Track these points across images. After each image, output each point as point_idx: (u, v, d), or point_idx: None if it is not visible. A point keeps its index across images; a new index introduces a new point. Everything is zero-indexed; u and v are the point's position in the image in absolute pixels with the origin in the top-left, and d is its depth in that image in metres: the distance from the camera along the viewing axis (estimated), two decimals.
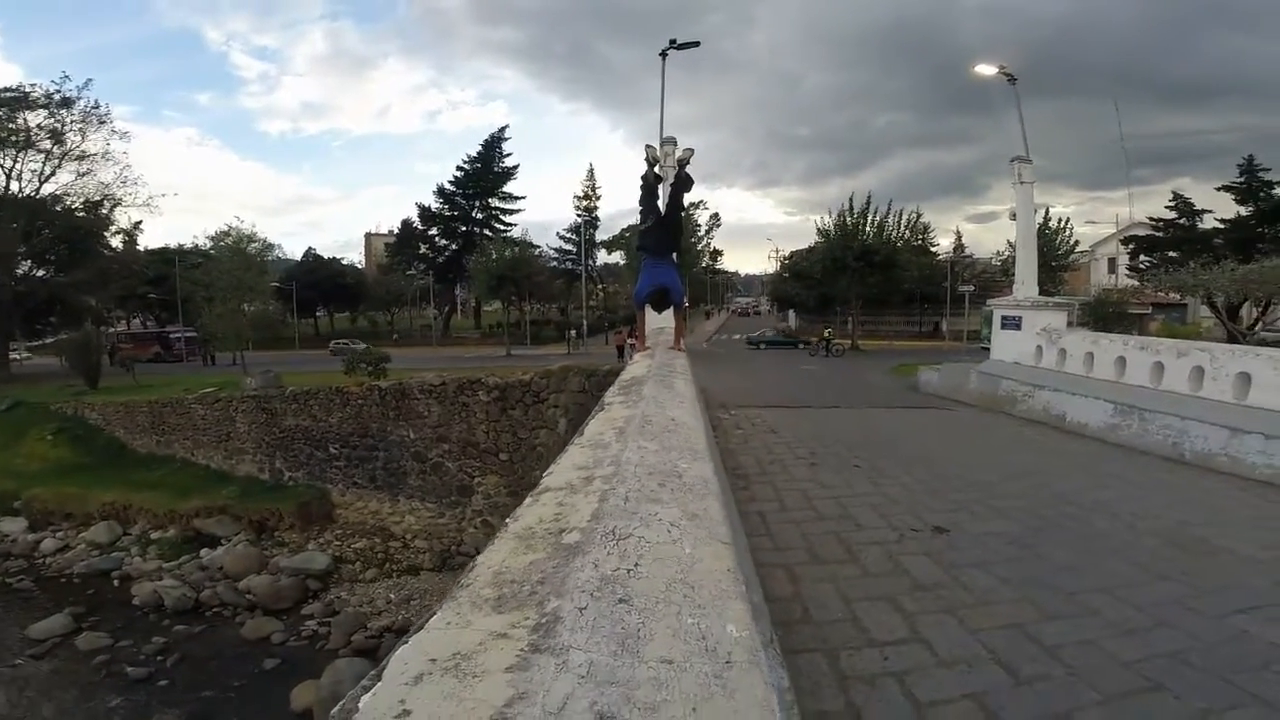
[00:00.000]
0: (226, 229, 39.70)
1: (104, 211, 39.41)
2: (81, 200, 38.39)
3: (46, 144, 35.92)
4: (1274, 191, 33.53)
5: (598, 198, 59.81)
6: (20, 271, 37.73)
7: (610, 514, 1.46)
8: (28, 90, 35.37)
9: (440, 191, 60.93)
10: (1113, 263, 44.82)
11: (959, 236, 59.81)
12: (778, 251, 74.14)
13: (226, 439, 20.85)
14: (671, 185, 7.00)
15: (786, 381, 20.59)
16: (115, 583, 16.01)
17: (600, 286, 64.95)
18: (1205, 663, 3.07)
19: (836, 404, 13.36)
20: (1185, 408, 8.38)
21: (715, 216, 63.24)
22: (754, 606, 1.22)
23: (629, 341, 13.28)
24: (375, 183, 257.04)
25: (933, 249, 48.98)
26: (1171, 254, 34.42)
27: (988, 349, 15.54)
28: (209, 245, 41.49)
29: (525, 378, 14.71)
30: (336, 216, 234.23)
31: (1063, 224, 38.63)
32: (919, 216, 42.00)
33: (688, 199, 7.94)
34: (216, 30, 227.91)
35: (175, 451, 22.46)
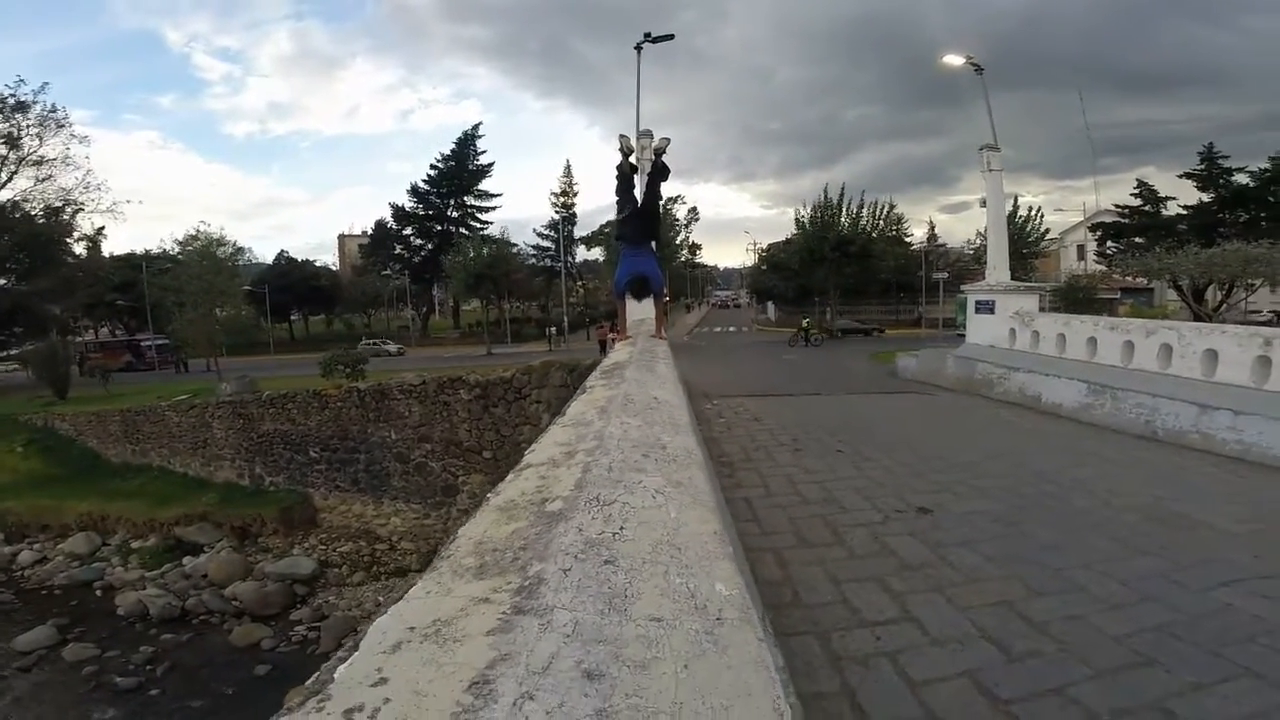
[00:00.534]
0: (194, 233, 38.96)
1: (65, 218, 38.40)
2: (42, 206, 37.42)
3: (2, 149, 35.00)
4: (1233, 178, 34.40)
5: (575, 194, 59.54)
6: None
7: (594, 483, 1.43)
8: None
9: (414, 191, 60.23)
10: (1081, 249, 45.67)
11: (932, 227, 60.38)
12: (755, 244, 74.52)
13: (203, 445, 20.50)
14: (649, 174, 7.01)
15: (768, 371, 20.72)
16: (98, 593, 15.74)
17: (580, 283, 64.72)
18: (1192, 636, 3.11)
19: (818, 391, 13.47)
20: (1156, 385, 8.56)
21: (693, 211, 63.43)
22: (745, 581, 1.21)
23: (610, 336, 13.26)
24: (347, 184, 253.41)
25: (907, 239, 49.54)
26: (1137, 240, 35.15)
27: (964, 335, 15.77)
28: (177, 250, 40.66)
29: (507, 375, 14.65)
30: (308, 219, 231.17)
31: (1032, 212, 39.28)
32: (892, 207, 42.44)
33: (665, 188, 7.96)
34: (177, 32, 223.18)
35: (151, 460, 22.03)
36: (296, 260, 63.36)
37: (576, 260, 62.84)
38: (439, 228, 60.60)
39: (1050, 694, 2.69)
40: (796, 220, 40.65)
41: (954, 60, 15.85)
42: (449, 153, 59.67)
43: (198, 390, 26.90)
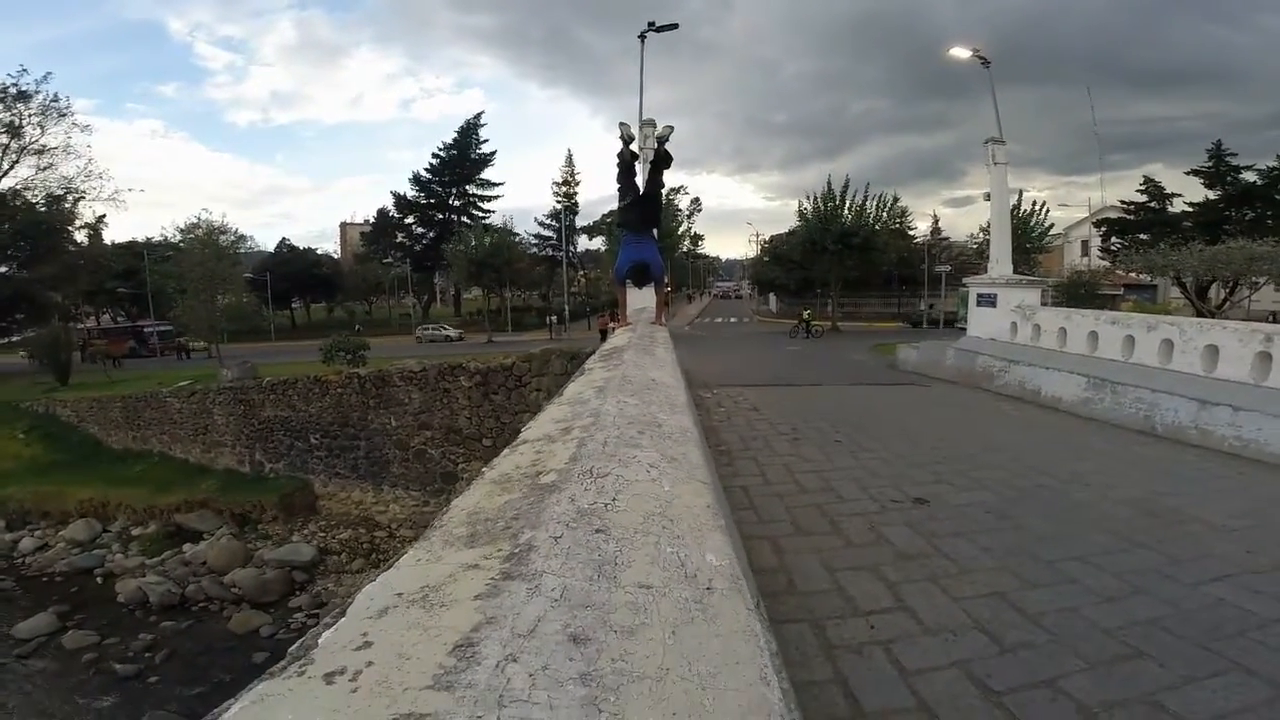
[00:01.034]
0: (196, 221, 38.97)
1: (67, 206, 38.47)
2: (43, 194, 37.47)
3: (4, 138, 35.05)
4: (1241, 176, 34.27)
5: (577, 184, 59.50)
6: None
7: (588, 456, 1.42)
8: None
9: (416, 179, 60.15)
10: (1085, 245, 45.48)
11: (935, 220, 60.19)
12: (758, 236, 74.32)
13: (204, 432, 20.55)
14: (651, 162, 6.98)
15: (768, 362, 20.69)
16: (98, 580, 15.82)
17: (582, 273, 64.66)
18: (1184, 630, 3.13)
19: (817, 382, 13.47)
20: (1156, 380, 8.56)
21: (696, 201, 63.26)
22: (739, 559, 1.21)
23: (611, 325, 13.19)
24: (349, 172, 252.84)
25: (910, 232, 49.36)
26: (1142, 236, 35.08)
27: (965, 329, 15.76)
28: (178, 238, 40.70)
29: (507, 362, 14.64)
30: (310, 207, 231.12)
31: (1036, 207, 39.10)
32: (896, 200, 42.28)
33: (667, 177, 7.94)
34: (180, 21, 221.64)
35: (152, 446, 22.10)
36: (298, 248, 63.42)
37: (578, 250, 62.78)
38: (441, 216, 60.60)
39: (1042, 685, 2.70)
40: (799, 212, 40.53)
41: (961, 52, 15.77)
42: (451, 141, 59.66)
43: (199, 376, 26.93)
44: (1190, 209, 35.67)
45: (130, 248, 47.71)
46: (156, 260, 40.81)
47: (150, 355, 42.37)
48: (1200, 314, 20.28)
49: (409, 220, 62.08)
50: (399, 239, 62.22)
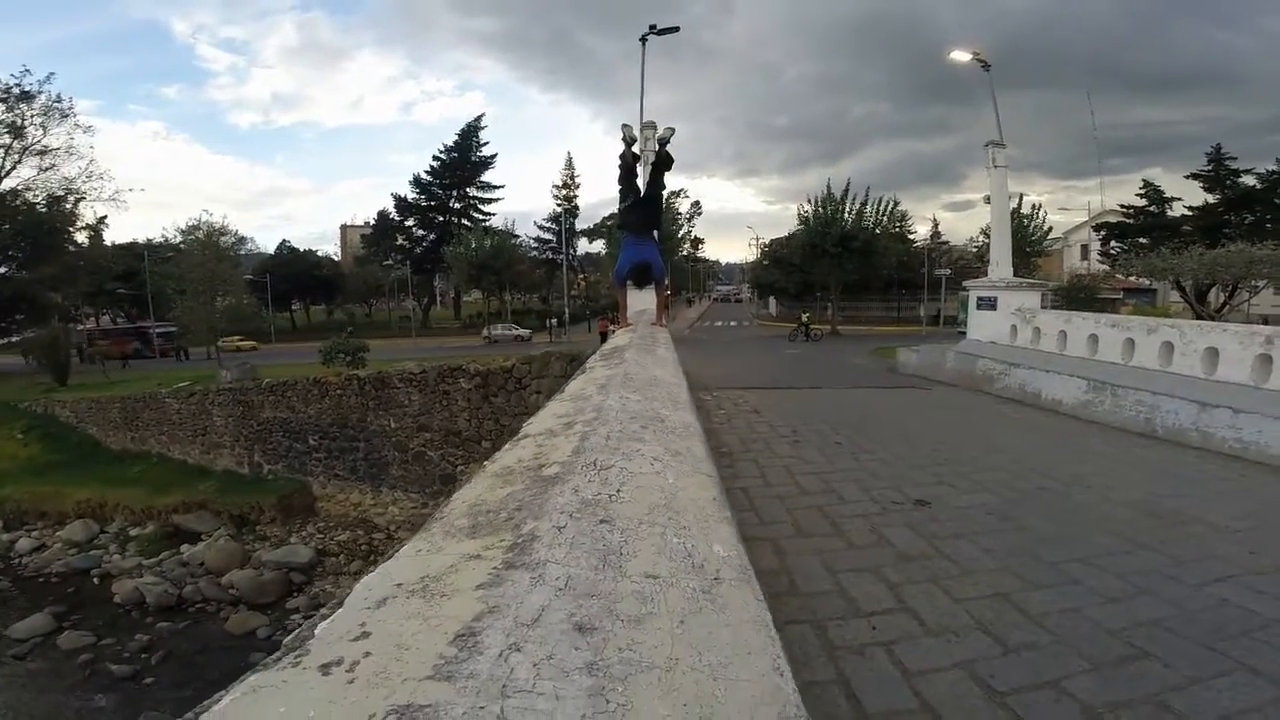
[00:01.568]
0: (196, 222, 38.97)
1: (68, 206, 38.47)
2: (44, 195, 37.48)
3: (6, 138, 35.12)
4: (1240, 180, 34.32)
5: (577, 187, 59.60)
6: None
7: (591, 450, 1.40)
8: None
9: (417, 182, 60.21)
10: (1085, 249, 45.57)
11: (936, 224, 60.23)
12: (758, 239, 74.29)
13: (203, 433, 20.51)
14: (652, 164, 6.97)
15: (768, 365, 20.65)
16: (95, 581, 15.75)
17: (582, 275, 64.67)
18: (1189, 630, 3.11)
19: (817, 385, 13.45)
20: (1156, 383, 8.54)
21: (696, 205, 63.32)
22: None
23: (611, 328, 13.22)
24: (350, 175, 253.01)
25: (910, 236, 49.38)
26: (1142, 240, 35.09)
27: (964, 332, 15.75)
28: (179, 239, 40.69)
29: (507, 364, 14.62)
30: (311, 209, 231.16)
31: (1036, 210, 39.14)
32: (896, 204, 42.31)
33: (668, 180, 7.92)
34: (183, 22, 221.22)
35: (150, 447, 22.06)
36: (298, 250, 63.47)
37: (578, 253, 62.83)
38: (441, 219, 60.64)
39: (1046, 686, 2.68)
40: (800, 216, 40.52)
41: (961, 56, 15.78)
42: (452, 144, 59.77)
43: (197, 378, 26.90)
44: (1190, 213, 35.73)
45: (131, 249, 47.66)
46: (157, 261, 40.76)
47: (148, 357, 42.31)
48: (1200, 317, 20.28)
49: (409, 222, 62.11)
50: (399, 241, 62.23)
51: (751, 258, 77.82)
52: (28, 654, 12.77)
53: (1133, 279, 31.87)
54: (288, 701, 0.62)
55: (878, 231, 39.30)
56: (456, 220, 59.82)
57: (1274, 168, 32.94)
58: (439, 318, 64.74)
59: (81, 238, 43.45)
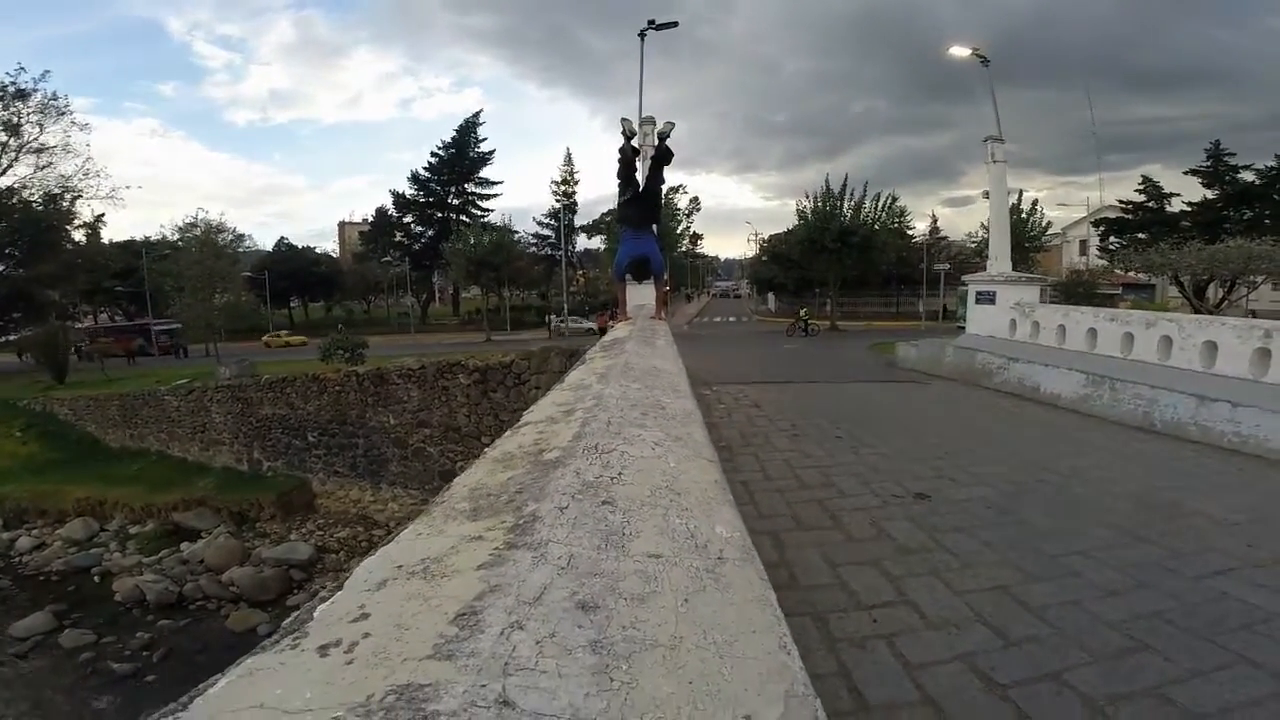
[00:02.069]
0: (193, 220, 38.91)
1: (65, 204, 38.38)
2: (41, 193, 37.39)
3: (2, 136, 35.04)
4: (1239, 176, 34.33)
5: (576, 183, 59.38)
6: None
7: (592, 435, 1.39)
8: None
9: (415, 178, 60.04)
10: (1084, 245, 45.52)
11: (934, 220, 60.43)
12: (757, 235, 74.33)
13: (202, 430, 20.48)
14: (652, 158, 6.95)
15: (767, 360, 20.68)
16: (95, 579, 15.71)
17: (581, 272, 64.60)
18: (1188, 623, 3.13)
19: (816, 380, 13.46)
20: (1154, 377, 8.55)
21: (695, 200, 63.20)
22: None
23: (610, 324, 13.14)
24: (348, 171, 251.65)
25: (909, 231, 49.41)
26: (1140, 236, 35.09)
27: (963, 327, 15.75)
28: (176, 237, 40.62)
29: (506, 360, 14.58)
30: (309, 206, 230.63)
31: (1034, 206, 39.12)
32: (895, 200, 42.32)
33: (668, 175, 7.91)
34: (179, 20, 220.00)
35: (150, 445, 22.03)
36: (296, 247, 63.24)
37: (577, 249, 62.69)
38: (439, 215, 60.50)
39: (1047, 679, 2.69)
40: (798, 211, 40.50)
41: (960, 51, 15.77)
42: (450, 140, 59.57)
43: (196, 375, 26.87)
44: (1188, 209, 35.72)
45: (128, 246, 47.60)
46: (154, 259, 40.69)
47: (163, 353, 42.29)
48: (1198, 313, 20.29)
49: (408, 219, 61.97)
50: (398, 238, 62.06)
51: (750, 253, 77.99)
52: (29, 652, 12.74)
53: (1132, 274, 31.92)
54: (284, 683, 0.61)
55: (876, 227, 39.31)
56: (455, 217, 59.70)
57: (1273, 164, 32.95)
58: (438, 314, 64.71)
59: (79, 236, 43.50)
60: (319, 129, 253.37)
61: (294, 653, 0.66)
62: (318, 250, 66.77)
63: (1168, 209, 36.60)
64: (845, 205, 38.66)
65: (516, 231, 54.00)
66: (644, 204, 6.52)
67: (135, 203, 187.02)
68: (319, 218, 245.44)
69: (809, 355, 22.71)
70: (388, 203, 61.84)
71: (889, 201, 40.88)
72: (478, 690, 0.56)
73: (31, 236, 36.97)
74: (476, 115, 61.06)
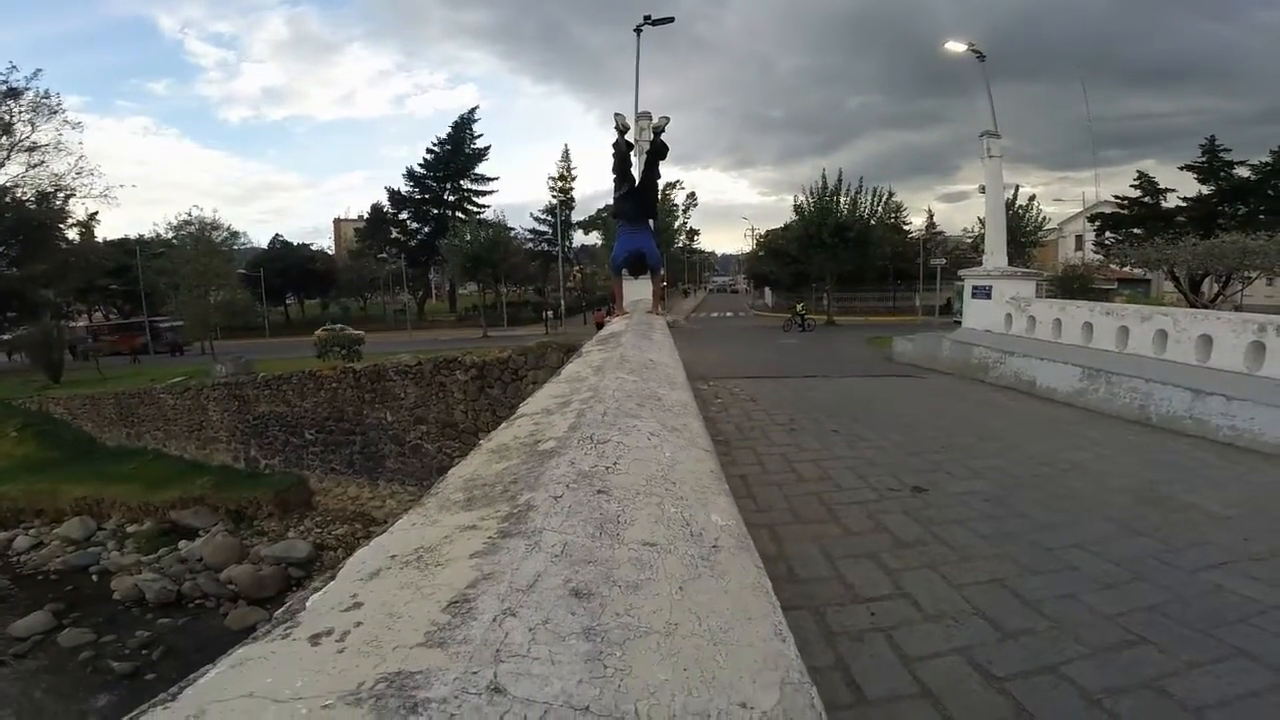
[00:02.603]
0: (187, 217, 38.73)
1: (57, 203, 38.23)
2: (33, 192, 37.23)
3: None
4: (1234, 171, 34.38)
5: (573, 179, 59.18)
6: None
7: (588, 425, 1.39)
8: None
9: (410, 175, 59.91)
10: (1080, 240, 45.63)
11: (931, 215, 60.41)
12: (753, 230, 74.26)
13: (199, 428, 20.43)
14: (647, 153, 6.93)
15: (764, 355, 20.67)
16: (94, 578, 15.70)
17: (578, 268, 64.49)
18: (1184, 616, 3.14)
19: (813, 374, 13.47)
20: (1150, 370, 8.56)
21: (692, 196, 63.09)
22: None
23: (607, 320, 13.08)
24: (342, 168, 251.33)
25: (905, 226, 49.44)
26: (1136, 231, 35.12)
27: (960, 321, 15.78)
28: (170, 235, 40.45)
29: (503, 355, 14.58)
30: (304, 203, 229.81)
31: (1030, 201, 39.17)
32: (891, 195, 42.33)
33: (664, 169, 7.89)
34: (171, 18, 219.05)
35: (146, 443, 21.97)
36: (292, 244, 63.03)
37: (574, 245, 62.62)
38: (435, 211, 60.32)
39: (1044, 671, 2.70)
40: (795, 207, 40.51)
41: (956, 47, 15.77)
42: (445, 136, 59.39)
43: (192, 372, 26.79)
44: (1184, 204, 35.76)
45: (122, 245, 47.32)
46: (149, 257, 40.52)
47: (158, 352, 42.13)
48: (1194, 307, 20.33)
49: (403, 215, 61.79)
50: (393, 234, 61.85)
51: (747, 249, 77.98)
52: (28, 652, 12.74)
53: (1127, 269, 31.98)
54: (275, 672, 0.60)
55: (873, 222, 39.34)
56: (451, 213, 59.52)
57: (1267, 159, 33.01)
58: (434, 310, 64.55)
59: (72, 234, 43.39)
60: (313, 126, 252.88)
61: (285, 642, 0.65)
62: (313, 247, 66.49)
63: (1163, 204, 36.64)
64: (841, 200, 38.70)
65: (513, 228, 53.89)
66: (640, 199, 6.51)
67: (129, 201, 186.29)
68: (314, 215, 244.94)
69: (806, 350, 22.72)
70: (383, 199, 61.85)
71: (885, 196, 40.96)
72: (469, 677, 0.56)
73: (24, 235, 36.85)
74: (471, 112, 60.97)
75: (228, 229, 40.55)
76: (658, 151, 6.74)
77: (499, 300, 51.31)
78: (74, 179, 37.75)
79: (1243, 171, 34.04)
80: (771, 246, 51.15)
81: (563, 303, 47.03)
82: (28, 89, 35.37)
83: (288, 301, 62.37)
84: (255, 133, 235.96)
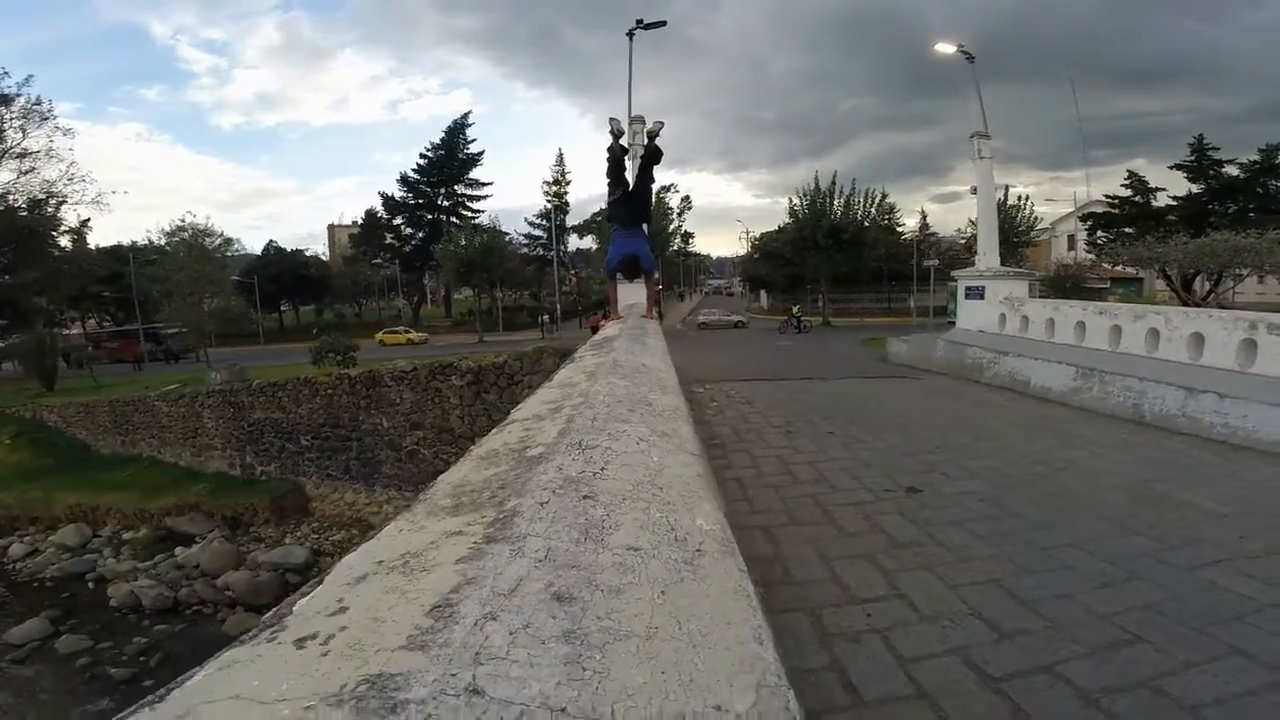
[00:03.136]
0: (180, 224, 38.62)
1: (49, 210, 38.05)
2: (25, 199, 37.07)
3: None
4: (1223, 169, 34.62)
5: (568, 183, 59.27)
6: None
7: (577, 431, 1.40)
8: None
9: (404, 180, 59.85)
10: (1072, 239, 45.87)
11: (924, 216, 60.73)
12: (748, 233, 74.47)
13: (194, 435, 20.35)
14: (641, 157, 6.94)
15: (759, 357, 20.74)
16: (90, 585, 15.61)
17: (573, 272, 64.47)
18: (1180, 614, 3.14)
19: (809, 376, 13.49)
20: (1143, 369, 8.60)
21: (686, 199, 63.11)
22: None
23: (602, 324, 13.07)
24: (336, 174, 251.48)
25: (899, 228, 49.65)
26: (1127, 230, 35.31)
27: (954, 322, 15.83)
28: (163, 241, 40.33)
29: (499, 360, 14.56)
30: (297, 209, 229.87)
31: (1022, 201, 39.35)
32: (884, 196, 42.50)
33: (658, 174, 7.92)
34: (162, 24, 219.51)
35: (141, 450, 21.87)
36: (285, 250, 62.87)
37: (569, 249, 62.59)
38: (429, 217, 60.30)
39: (1041, 671, 2.70)
40: (790, 210, 40.67)
41: (946, 48, 15.86)
42: (439, 141, 59.40)
43: (187, 380, 26.69)
44: (1174, 203, 36.00)
45: (115, 252, 47.21)
46: (142, 264, 40.40)
47: (159, 359, 41.99)
48: (1186, 305, 20.43)
49: (397, 221, 61.74)
50: (388, 240, 61.84)
51: (742, 251, 78.02)
52: (26, 658, 12.68)
53: (1119, 268, 32.13)
54: (260, 675, 0.61)
55: (866, 224, 39.49)
56: (445, 218, 59.49)
57: (1255, 157, 33.25)
58: (430, 316, 64.44)
59: (65, 241, 43.11)
60: (307, 132, 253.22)
61: (271, 645, 0.66)
62: (308, 253, 66.34)
63: (1154, 203, 36.88)
64: (835, 202, 38.84)
65: (508, 232, 53.92)
66: (634, 203, 6.52)
67: (121, 208, 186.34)
68: (308, 220, 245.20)
69: (800, 352, 22.78)
70: (377, 205, 61.68)
71: (879, 198, 41.14)
72: (448, 679, 0.57)
73: (16, 243, 36.66)
74: (465, 117, 61.07)
75: (221, 235, 40.36)
76: (652, 156, 6.75)
77: (495, 305, 51.26)
78: (66, 185, 37.58)
79: (1232, 170, 34.29)
80: (766, 249, 51.32)
81: (558, 307, 47.00)
82: (19, 95, 35.21)
83: (282, 308, 62.15)
84: (248, 139, 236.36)
